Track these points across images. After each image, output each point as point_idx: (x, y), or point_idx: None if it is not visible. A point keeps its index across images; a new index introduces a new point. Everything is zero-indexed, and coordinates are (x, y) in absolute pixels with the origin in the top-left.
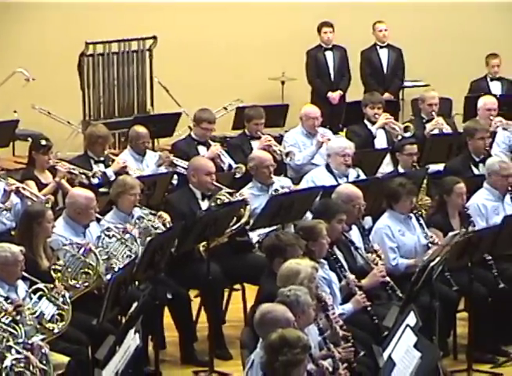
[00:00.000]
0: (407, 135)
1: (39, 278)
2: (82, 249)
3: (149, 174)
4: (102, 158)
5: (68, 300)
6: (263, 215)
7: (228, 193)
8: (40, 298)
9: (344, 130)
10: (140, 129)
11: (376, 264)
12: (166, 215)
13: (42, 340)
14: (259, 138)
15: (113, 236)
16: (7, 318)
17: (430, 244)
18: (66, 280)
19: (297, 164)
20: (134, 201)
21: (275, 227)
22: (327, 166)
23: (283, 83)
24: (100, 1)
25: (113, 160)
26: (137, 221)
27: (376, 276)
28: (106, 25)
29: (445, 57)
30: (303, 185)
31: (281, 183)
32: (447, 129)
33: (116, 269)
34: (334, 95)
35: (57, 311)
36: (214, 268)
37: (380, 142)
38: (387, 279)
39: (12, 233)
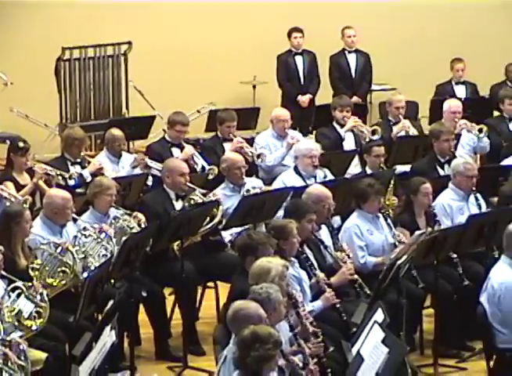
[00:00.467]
0: (375, 137)
1: (17, 276)
2: (59, 248)
3: (124, 175)
4: (78, 160)
5: (46, 298)
6: (235, 215)
7: (201, 193)
8: (18, 296)
9: (314, 132)
10: (116, 132)
11: (345, 262)
12: (141, 215)
13: (20, 337)
14: (231, 140)
15: (90, 235)
16: None
17: (397, 243)
18: (44, 279)
19: (268, 166)
20: (110, 202)
21: (247, 226)
22: (295, 168)
23: (254, 87)
24: (76, 7)
25: (89, 162)
26: (113, 221)
27: (345, 274)
28: (82, 31)
29: (411, 62)
30: (274, 187)
31: (252, 184)
32: (413, 131)
33: (92, 268)
34: (304, 99)
35: (35, 309)
36: (188, 266)
37: (349, 144)
38: (356, 277)
39: None
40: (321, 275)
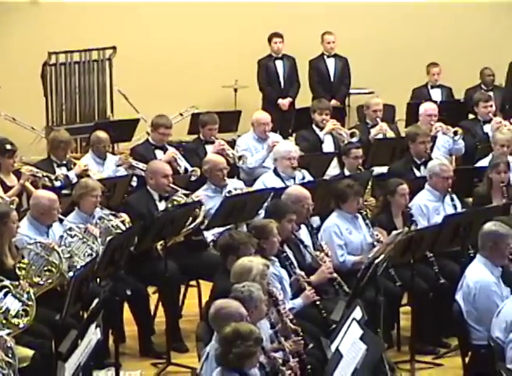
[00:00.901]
0: (353, 139)
1: (4, 276)
2: (46, 248)
3: (109, 176)
4: (64, 162)
5: (32, 296)
6: (217, 215)
7: (184, 194)
8: (5, 294)
9: (294, 135)
10: (101, 134)
11: (324, 261)
12: (125, 216)
13: (8, 334)
14: (213, 142)
15: (75, 235)
16: None
17: (375, 242)
18: (31, 278)
19: (249, 168)
20: (95, 203)
21: (228, 227)
22: (275, 170)
23: (235, 90)
24: (62, 13)
25: (74, 164)
26: (98, 221)
27: (324, 272)
28: (68, 36)
29: (388, 66)
30: (255, 188)
31: (234, 185)
32: (390, 134)
33: (78, 267)
34: (284, 102)
35: (22, 307)
36: (171, 265)
37: (328, 146)
38: (335, 275)
39: None
40: (301, 273)
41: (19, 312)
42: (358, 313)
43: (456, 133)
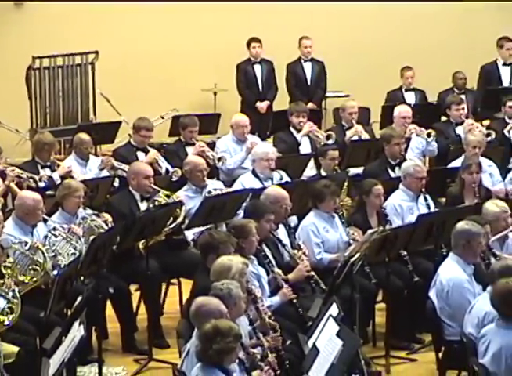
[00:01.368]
0: (329, 141)
1: None
2: (30, 247)
3: (92, 177)
4: (48, 163)
5: (17, 294)
6: (197, 215)
7: (165, 195)
8: None
9: (272, 137)
10: (83, 136)
11: (302, 260)
12: (108, 216)
13: None
14: (193, 144)
15: (59, 235)
16: None
17: (351, 241)
18: (16, 276)
19: (228, 169)
20: (78, 203)
21: (208, 226)
22: (253, 171)
23: (215, 94)
24: (45, 18)
25: (58, 165)
26: (81, 221)
27: (302, 270)
28: (52, 41)
29: (363, 70)
30: (234, 189)
31: (214, 186)
32: (365, 136)
33: (62, 266)
34: (262, 105)
35: (7, 304)
36: (153, 264)
37: (305, 148)
38: (312, 273)
39: None
40: (278, 271)
41: (4, 310)
42: (334, 310)
43: (429, 135)
